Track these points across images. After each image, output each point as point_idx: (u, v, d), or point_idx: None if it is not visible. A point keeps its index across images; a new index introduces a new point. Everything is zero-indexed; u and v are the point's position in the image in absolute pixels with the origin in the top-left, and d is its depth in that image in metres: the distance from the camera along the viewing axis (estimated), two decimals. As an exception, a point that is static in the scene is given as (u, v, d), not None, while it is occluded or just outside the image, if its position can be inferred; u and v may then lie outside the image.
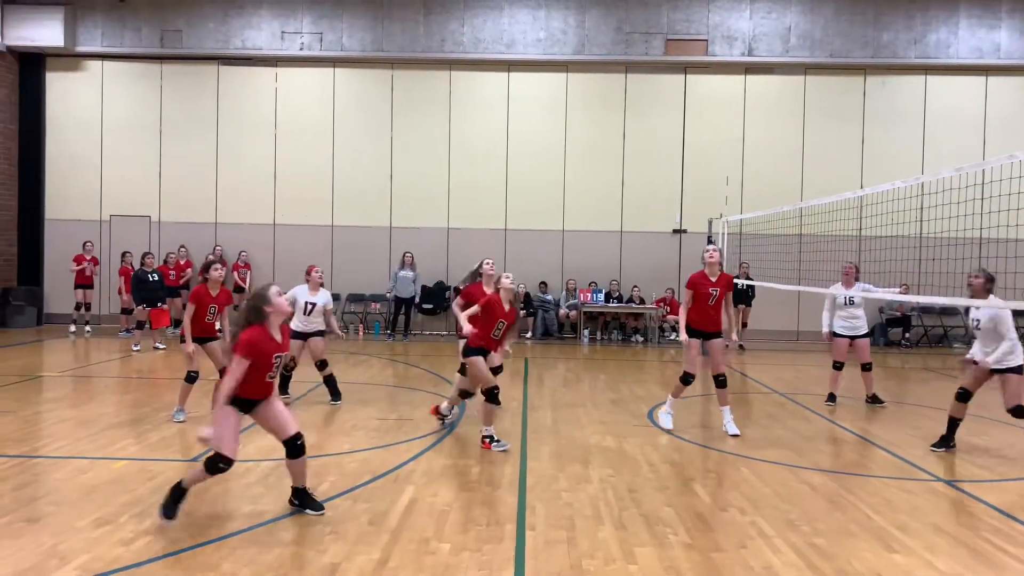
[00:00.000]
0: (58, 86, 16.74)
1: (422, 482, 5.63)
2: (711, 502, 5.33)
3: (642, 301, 15.94)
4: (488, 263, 8.47)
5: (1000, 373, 6.72)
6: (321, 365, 8.63)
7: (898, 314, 15.91)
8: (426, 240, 16.45)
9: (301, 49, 16.38)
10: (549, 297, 16.25)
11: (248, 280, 16.14)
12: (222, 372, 6.98)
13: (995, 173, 6.33)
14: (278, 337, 4.81)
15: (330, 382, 8.69)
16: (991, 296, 6.77)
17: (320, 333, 8.66)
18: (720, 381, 7.38)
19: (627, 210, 16.59)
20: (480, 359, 6.68)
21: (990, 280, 6.79)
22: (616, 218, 16.60)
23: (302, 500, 4.96)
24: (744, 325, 15.17)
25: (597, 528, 4.75)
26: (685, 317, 7.53)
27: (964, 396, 6.92)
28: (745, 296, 14.80)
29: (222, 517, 4.82)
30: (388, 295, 15.75)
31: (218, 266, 7.56)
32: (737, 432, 7.31)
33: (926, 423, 8.13)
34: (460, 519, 4.87)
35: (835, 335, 9.14)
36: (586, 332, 15.90)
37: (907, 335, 15.85)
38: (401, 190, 16.62)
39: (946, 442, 6.94)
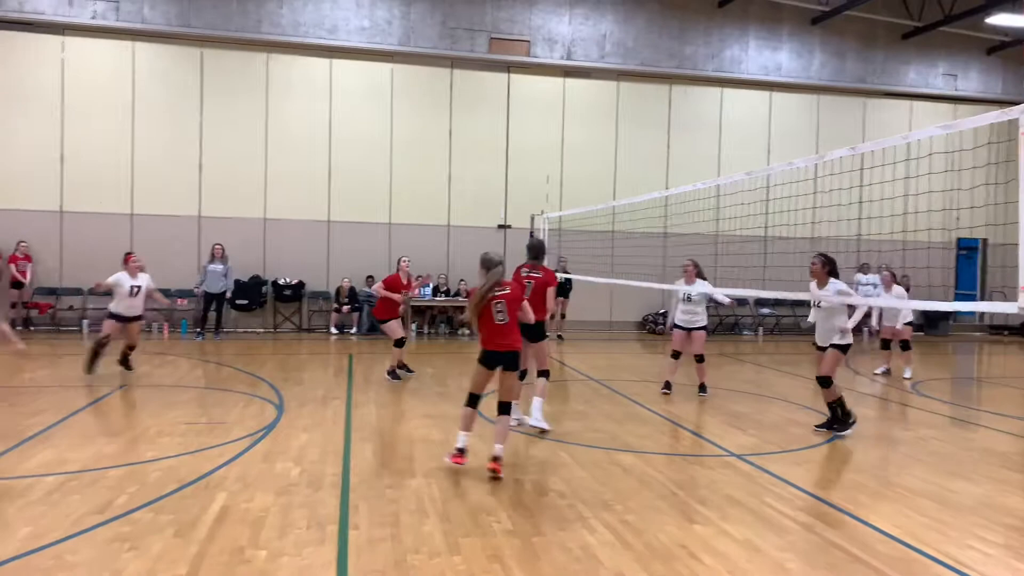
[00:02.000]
0: None
1: (236, 488, 5.29)
2: (531, 488, 5.51)
3: (468, 295, 16.11)
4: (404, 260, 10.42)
5: (824, 349, 7.42)
6: (131, 348, 9.62)
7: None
8: (240, 231, 15.50)
9: (93, 18, 14.74)
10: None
11: (29, 273, 14.32)
12: None
13: (777, 178, 7.08)
14: None
15: (126, 362, 9.64)
16: (831, 280, 7.28)
17: (139, 318, 9.62)
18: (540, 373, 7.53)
19: (454, 205, 16.69)
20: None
21: (828, 263, 7.31)
22: (443, 212, 16.65)
23: None
24: (563, 316, 15.85)
25: (422, 522, 4.73)
26: None
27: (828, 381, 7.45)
28: (563, 289, 15.46)
29: (-6, 543, 4.22)
30: (196, 290, 14.64)
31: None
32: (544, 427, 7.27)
33: (720, 403, 8.95)
34: (278, 524, 4.64)
35: (676, 327, 9.58)
36: (413, 326, 15.80)
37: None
38: (212, 178, 15.52)
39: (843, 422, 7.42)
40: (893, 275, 11.20)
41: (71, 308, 14.86)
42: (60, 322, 14.78)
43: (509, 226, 16.75)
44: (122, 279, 9.39)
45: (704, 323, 9.43)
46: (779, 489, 5.65)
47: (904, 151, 6.03)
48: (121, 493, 5.10)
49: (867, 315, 17.66)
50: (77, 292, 14.86)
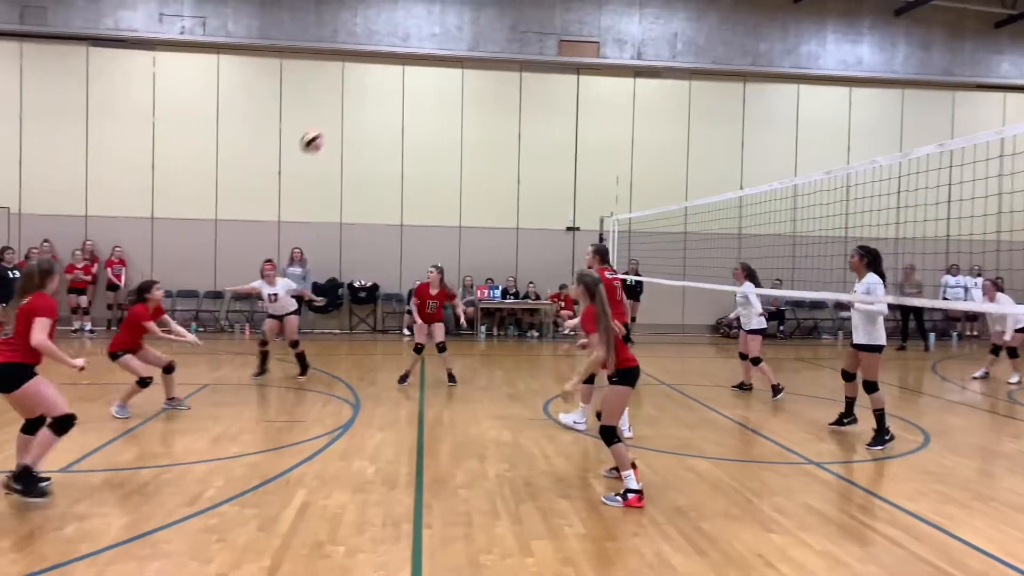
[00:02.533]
0: (-102, 62, 15.09)
1: (315, 485, 5.47)
2: (605, 492, 5.48)
3: (537, 297, 16.17)
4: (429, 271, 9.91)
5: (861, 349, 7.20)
6: (294, 344, 9.96)
7: (773, 308, 16.91)
8: (318, 235, 16.01)
9: (182, 33, 15.51)
10: (445, 294, 16.19)
11: (123, 277, 15.16)
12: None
13: (858, 177, 6.83)
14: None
15: (301, 358, 10.02)
16: (869, 274, 7.07)
17: (294, 313, 10.02)
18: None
19: (523, 207, 16.78)
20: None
21: (868, 254, 7.13)
22: (512, 215, 16.76)
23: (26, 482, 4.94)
24: (633, 319, 15.68)
25: (494, 523, 4.78)
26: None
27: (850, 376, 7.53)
28: (634, 292, 15.30)
29: (95, 531, 4.49)
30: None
31: (159, 284, 7.89)
32: (573, 423, 7.46)
33: (800, 409, 8.69)
34: (355, 521, 4.77)
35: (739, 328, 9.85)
36: (483, 328, 15.96)
37: (781, 328, 16.89)
38: (291, 184, 16.08)
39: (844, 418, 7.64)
40: (995, 283, 10.75)
41: (161, 309, 15.63)
42: (151, 323, 15.56)
43: (578, 228, 16.71)
44: (262, 287, 9.85)
45: (755, 325, 9.49)
46: (862, 499, 5.45)
47: (998, 147, 5.72)
48: (209, 487, 5.34)
49: (957, 319, 16.90)
50: (166, 295, 15.59)
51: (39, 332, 4.83)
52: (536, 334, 16.03)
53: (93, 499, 5.06)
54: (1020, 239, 12.11)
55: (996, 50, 17.78)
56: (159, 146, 15.71)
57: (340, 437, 6.93)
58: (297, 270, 14.95)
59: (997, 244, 11.33)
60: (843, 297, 7.36)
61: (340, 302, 16.11)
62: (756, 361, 9.43)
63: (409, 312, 15.78)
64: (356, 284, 16.16)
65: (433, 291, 9.65)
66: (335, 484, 5.50)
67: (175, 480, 5.50)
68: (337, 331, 16.09)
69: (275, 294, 9.87)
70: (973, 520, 5.03)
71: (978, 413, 9.11)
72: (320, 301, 11.24)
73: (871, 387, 7.09)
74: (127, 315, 8.03)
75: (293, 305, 10.07)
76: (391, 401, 8.67)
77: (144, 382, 7.60)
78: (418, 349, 9.81)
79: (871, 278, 7.03)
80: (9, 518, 4.65)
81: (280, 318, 9.97)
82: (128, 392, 7.63)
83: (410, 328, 15.85)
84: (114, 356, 7.66)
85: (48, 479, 5.06)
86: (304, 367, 10.07)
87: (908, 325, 15.85)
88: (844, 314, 17.32)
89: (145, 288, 7.84)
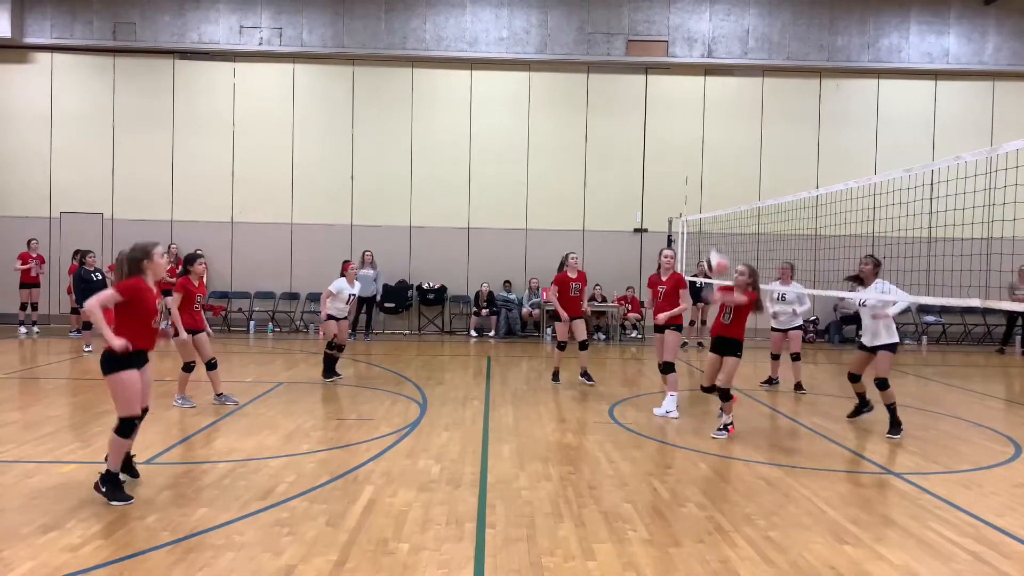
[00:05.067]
0: (5, 78, 16.20)
1: (381, 482, 5.58)
2: (669, 497, 5.39)
3: (604, 299, 16.04)
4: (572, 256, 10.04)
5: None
6: (340, 349, 10.06)
7: (852, 312, 16.27)
8: (388, 238, 16.33)
9: (260, 44, 16.11)
10: (512, 296, 16.27)
11: (204, 279, 15.81)
12: (195, 365, 8.19)
13: (942, 174, 6.51)
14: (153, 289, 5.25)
15: (335, 361, 10.09)
16: (877, 280, 7.53)
17: (345, 318, 10.07)
18: (661, 367, 8.48)
19: (589, 209, 16.69)
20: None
21: (878, 264, 7.63)
22: (578, 217, 16.68)
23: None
24: (703, 323, 15.37)
25: (557, 525, 4.77)
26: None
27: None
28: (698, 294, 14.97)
29: (175, 521, 4.71)
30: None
31: (202, 259, 8.29)
32: (666, 412, 8.08)
33: (876, 418, 8.32)
34: (419, 519, 4.84)
35: (773, 330, 10.13)
36: (549, 330, 15.94)
37: (860, 331, 16.20)
38: (362, 188, 16.47)
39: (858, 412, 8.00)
40: None
41: (240, 310, 16.26)
42: (231, 323, 16.22)
43: (646, 230, 16.50)
44: (343, 286, 9.91)
45: (800, 323, 9.96)
46: (944, 512, 5.18)
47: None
48: (280, 482, 5.52)
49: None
50: (245, 295, 16.26)
51: (93, 298, 4.98)
52: (603, 336, 15.91)
53: (174, 490, 5.30)
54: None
55: (1098, 37, 16.62)
56: (239, 153, 16.36)
57: (407, 436, 7.04)
58: (370, 272, 15.31)
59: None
60: (927, 300, 7.03)
61: (409, 303, 16.39)
62: (797, 356, 9.83)
63: (476, 314, 15.95)
64: (425, 286, 16.41)
65: (572, 274, 9.81)
66: (401, 482, 5.60)
67: (249, 474, 5.71)
68: (406, 331, 16.37)
69: (353, 293, 10.12)
70: (1069, 538, 4.71)
71: (1077, 424, 8.53)
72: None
73: (884, 384, 7.38)
74: (175, 288, 8.18)
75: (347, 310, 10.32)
76: (457, 401, 8.76)
77: (188, 367, 8.04)
78: (562, 346, 10.06)
79: (884, 284, 7.48)
80: (98, 505, 4.92)
81: (341, 320, 10.08)
82: (181, 381, 8.12)
83: (478, 329, 16.02)
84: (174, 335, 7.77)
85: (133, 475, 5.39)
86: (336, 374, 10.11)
87: (1012, 329, 15.14)
88: (929, 318, 16.53)
89: (191, 260, 8.29)
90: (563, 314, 9.78)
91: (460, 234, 16.59)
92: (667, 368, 8.37)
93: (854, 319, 16.26)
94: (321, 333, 10.36)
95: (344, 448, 6.56)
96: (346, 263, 10.29)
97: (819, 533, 4.72)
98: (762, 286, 9.53)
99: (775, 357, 10.13)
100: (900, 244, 9.57)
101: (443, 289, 16.45)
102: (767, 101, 16.72)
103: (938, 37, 16.54)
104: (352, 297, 10.14)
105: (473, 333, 16.01)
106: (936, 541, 4.63)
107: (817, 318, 16.45)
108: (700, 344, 14.89)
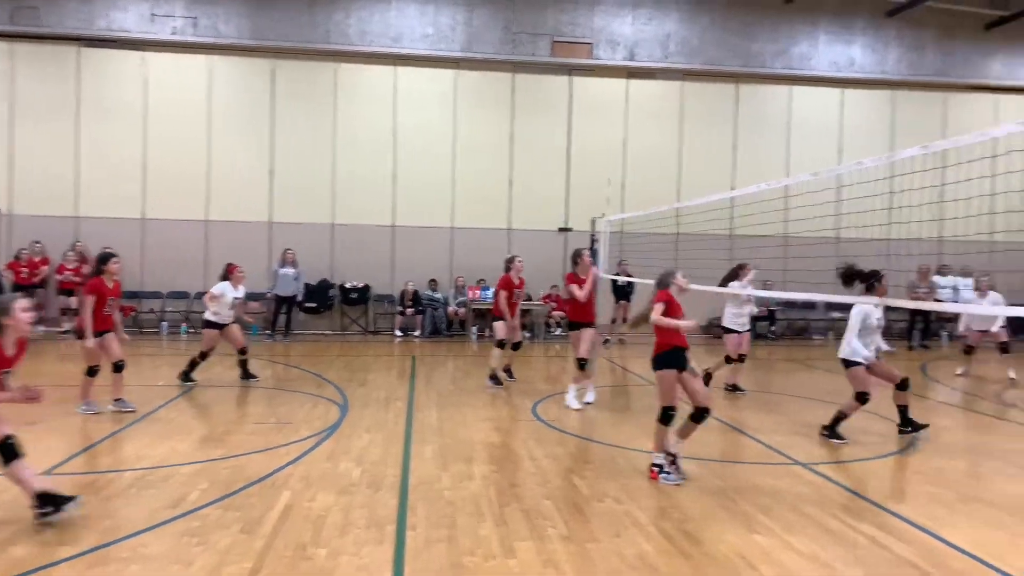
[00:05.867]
0: None
1: (299, 487, 5.44)
2: (589, 493, 5.47)
3: (529, 298, 16.12)
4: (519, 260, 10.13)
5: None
6: (243, 351, 9.69)
7: (764, 310, 16.93)
8: (309, 236, 15.95)
9: (173, 34, 15.45)
10: (438, 295, 16.17)
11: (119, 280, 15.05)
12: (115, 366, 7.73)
13: (845, 179, 6.83)
14: (10, 351, 4.70)
15: (245, 364, 9.73)
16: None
17: (236, 322, 9.67)
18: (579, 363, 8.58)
19: (515, 208, 16.75)
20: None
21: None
22: (504, 215, 16.73)
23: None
24: (624, 320, 15.67)
25: (478, 525, 4.76)
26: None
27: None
28: (625, 292, 15.28)
29: (76, 535, 4.45)
30: (268, 293, 15.13)
31: (116, 259, 7.83)
32: (576, 406, 8.36)
33: (789, 410, 8.69)
34: (338, 522, 4.74)
35: (728, 330, 9.68)
36: (475, 329, 15.93)
37: (772, 328, 16.89)
38: (283, 184, 16.03)
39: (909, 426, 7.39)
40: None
41: (151, 311, 15.57)
42: (142, 324, 15.50)
43: (570, 229, 16.69)
44: (227, 289, 9.41)
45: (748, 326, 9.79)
46: (849, 501, 5.44)
47: (986, 147, 5.71)
48: (193, 489, 5.31)
49: (949, 319, 16.94)
50: (156, 296, 15.57)
51: None
52: (528, 335, 16.00)
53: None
54: (1017, 239, 12.15)
55: (988, 51, 17.82)
56: (150, 147, 15.64)
57: (327, 439, 6.90)
58: (289, 271, 14.91)
59: (990, 245, 11.38)
60: (834, 298, 7.36)
61: (331, 303, 16.06)
62: (743, 358, 9.64)
63: (401, 313, 15.78)
64: (348, 285, 16.11)
65: (516, 280, 9.90)
66: (320, 486, 5.48)
67: (159, 482, 5.47)
68: (328, 332, 16.05)
69: (239, 298, 9.61)
70: (959, 522, 5.03)
71: (972, 414, 9.12)
72: (263, 310, 10.80)
73: (904, 384, 7.31)
74: (85, 290, 7.72)
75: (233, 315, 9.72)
76: (379, 402, 8.64)
77: (92, 371, 7.61)
78: (516, 346, 10.06)
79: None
80: (-11, 521, 4.61)
81: (223, 326, 9.52)
82: (84, 386, 7.64)
83: (403, 329, 15.83)
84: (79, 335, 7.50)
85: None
86: (250, 375, 9.79)
87: (915, 326, 15.98)
88: (836, 315, 17.35)
89: (104, 259, 7.76)
90: (508, 316, 9.73)
91: (384, 232, 16.38)
92: (584, 364, 8.53)
93: (765, 317, 16.92)
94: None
95: (261, 452, 6.37)
96: (231, 266, 9.67)
97: (731, 524, 4.87)
98: (733, 285, 9.67)
99: (731, 361, 9.62)
100: (809, 244, 10.00)
101: (367, 288, 16.19)
102: (687, 104, 17.18)
103: (845, 47, 17.38)
104: (237, 301, 9.54)
105: (398, 333, 15.84)
106: (840, 529, 4.86)
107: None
108: (620, 340, 15.18)
